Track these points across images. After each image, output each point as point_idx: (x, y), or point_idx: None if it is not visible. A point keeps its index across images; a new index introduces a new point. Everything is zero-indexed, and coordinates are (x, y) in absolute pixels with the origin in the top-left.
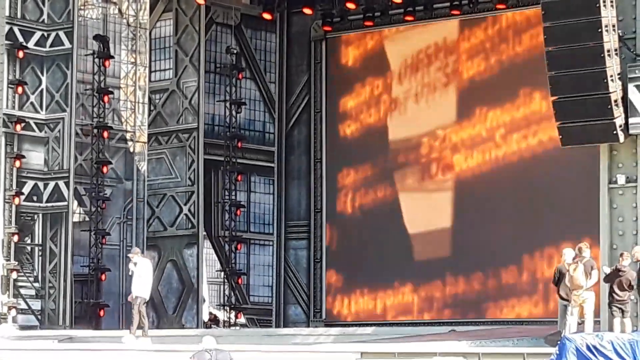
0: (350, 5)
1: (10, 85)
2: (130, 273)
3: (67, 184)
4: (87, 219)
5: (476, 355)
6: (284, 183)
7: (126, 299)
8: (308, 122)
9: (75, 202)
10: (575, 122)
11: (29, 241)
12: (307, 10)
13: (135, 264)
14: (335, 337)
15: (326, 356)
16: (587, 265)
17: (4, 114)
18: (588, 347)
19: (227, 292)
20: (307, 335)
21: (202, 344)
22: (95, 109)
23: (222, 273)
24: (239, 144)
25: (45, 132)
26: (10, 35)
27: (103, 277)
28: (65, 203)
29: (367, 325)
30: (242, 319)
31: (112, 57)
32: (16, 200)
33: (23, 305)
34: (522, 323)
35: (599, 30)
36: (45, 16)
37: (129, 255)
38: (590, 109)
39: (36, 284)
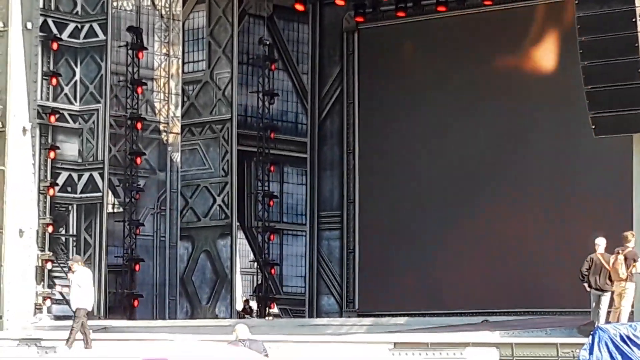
0: None
1: (44, 77)
2: (69, 283)
3: (101, 175)
4: (121, 209)
5: (509, 345)
6: (317, 174)
7: (159, 289)
8: (341, 113)
9: (110, 193)
10: (609, 112)
11: (63, 232)
12: (340, 1)
13: (73, 272)
14: (368, 327)
15: (359, 346)
16: (629, 255)
17: (39, 105)
18: (621, 338)
19: (260, 283)
20: (340, 326)
21: (236, 334)
22: (129, 101)
23: (255, 263)
24: (272, 135)
25: (80, 124)
26: (44, 27)
27: (137, 267)
28: (100, 194)
29: (399, 315)
30: (275, 309)
31: (146, 48)
32: (51, 191)
33: (58, 296)
34: (555, 313)
35: (633, 19)
36: (79, 8)
37: (69, 262)
38: (623, 98)
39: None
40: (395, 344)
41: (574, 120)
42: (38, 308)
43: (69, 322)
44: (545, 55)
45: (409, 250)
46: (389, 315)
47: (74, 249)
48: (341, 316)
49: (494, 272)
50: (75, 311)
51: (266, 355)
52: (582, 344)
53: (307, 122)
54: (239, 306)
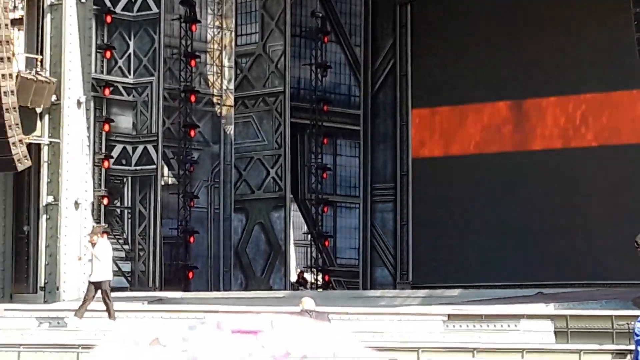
0: None
1: (98, 50)
2: (89, 255)
3: (155, 148)
4: (175, 182)
5: (563, 317)
6: (370, 146)
7: (214, 261)
8: (394, 85)
9: (164, 166)
10: None
11: (118, 204)
12: None
13: (93, 244)
14: (422, 299)
15: (413, 318)
16: None
17: (93, 78)
18: None
19: (314, 255)
20: (394, 297)
21: (302, 305)
22: (182, 73)
23: (309, 235)
24: (325, 108)
25: (134, 96)
26: (98, 0)
27: (192, 239)
28: (154, 166)
29: (453, 287)
30: (329, 281)
31: (199, 21)
32: (105, 164)
33: (113, 268)
34: (610, 285)
35: None
36: None
37: (89, 234)
38: None
39: (126, 247)
40: (449, 315)
41: None
42: None
43: (125, 294)
44: (608, 30)
45: (462, 222)
46: (442, 287)
47: (129, 221)
48: (395, 288)
49: (549, 244)
50: (94, 283)
51: None
52: (638, 316)
53: (360, 95)
54: (293, 278)
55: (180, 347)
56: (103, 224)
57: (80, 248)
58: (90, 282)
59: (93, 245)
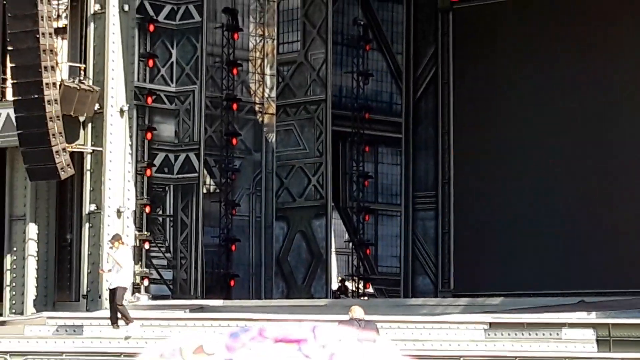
0: None
1: (141, 59)
2: (108, 261)
3: (197, 156)
4: (217, 190)
5: (606, 326)
6: (412, 154)
7: (255, 269)
8: (435, 93)
9: (206, 174)
10: None
11: (160, 212)
12: None
13: (115, 251)
14: (463, 307)
15: (454, 327)
16: None
17: (136, 86)
18: None
19: (355, 263)
20: (435, 306)
21: (352, 314)
22: (224, 82)
23: (350, 243)
24: (367, 115)
25: (176, 105)
26: (141, 9)
27: (233, 247)
28: (196, 174)
29: (495, 295)
30: (370, 289)
31: (241, 29)
32: (148, 172)
33: (155, 275)
34: None
35: None
36: None
37: (110, 241)
38: None
39: (168, 255)
40: (490, 324)
41: None
42: (136, 287)
43: (167, 302)
44: None
45: (504, 230)
46: (484, 296)
47: (171, 229)
48: (436, 296)
49: (591, 252)
50: (115, 290)
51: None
52: None
53: (402, 103)
54: (335, 286)
55: (224, 356)
56: (145, 232)
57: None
58: (110, 290)
59: (114, 251)
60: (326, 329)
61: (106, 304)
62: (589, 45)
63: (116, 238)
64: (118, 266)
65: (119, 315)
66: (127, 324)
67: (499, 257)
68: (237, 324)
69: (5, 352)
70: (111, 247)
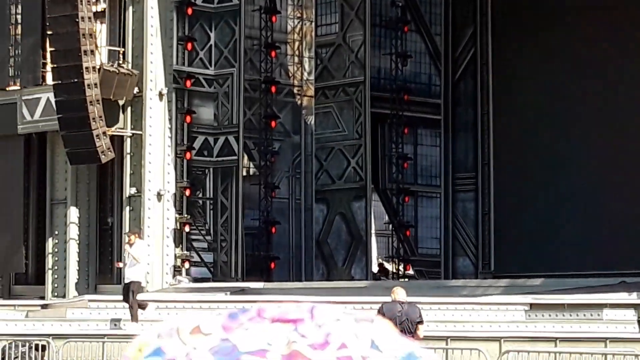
0: None
1: (179, 42)
2: (126, 254)
3: (236, 139)
4: (256, 172)
5: None
6: (451, 135)
7: (295, 252)
8: (474, 74)
9: (245, 156)
10: None
11: (200, 195)
12: None
13: (131, 245)
14: (503, 288)
15: (495, 308)
16: None
17: (174, 70)
18: None
19: (395, 244)
20: (476, 287)
21: (394, 296)
22: (263, 64)
23: (390, 225)
24: (405, 97)
25: (215, 88)
26: None
27: (273, 230)
28: (235, 157)
29: (535, 276)
30: (410, 271)
31: (279, 12)
32: (187, 155)
33: (196, 258)
34: None
35: None
36: None
37: (126, 235)
38: None
39: (208, 237)
40: (531, 305)
41: None
42: (177, 270)
43: (208, 284)
44: None
45: (544, 210)
46: (524, 277)
47: (211, 212)
48: (477, 277)
49: (632, 232)
50: (130, 284)
51: (421, 321)
52: None
53: (441, 84)
54: (375, 268)
55: (221, 336)
56: (186, 215)
57: (163, 239)
58: (125, 284)
59: (130, 246)
60: (324, 309)
61: (147, 286)
62: (633, 27)
63: (133, 232)
64: (134, 260)
65: (128, 311)
66: (132, 320)
67: (540, 238)
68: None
69: (48, 335)
70: (127, 242)
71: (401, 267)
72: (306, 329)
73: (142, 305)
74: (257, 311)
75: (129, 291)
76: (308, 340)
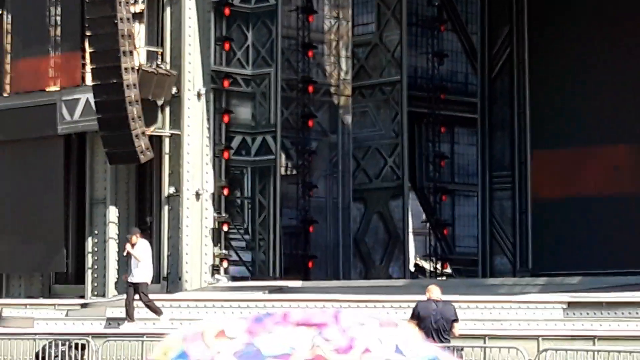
0: None
1: (217, 42)
2: (125, 254)
3: (274, 138)
4: (294, 172)
5: None
6: (488, 134)
7: (333, 250)
8: (511, 72)
9: (283, 156)
10: None
11: (238, 194)
12: None
13: (133, 245)
14: (541, 286)
15: (533, 306)
16: None
17: (212, 70)
18: None
19: (432, 243)
20: (513, 285)
21: (429, 294)
22: (300, 64)
23: (427, 224)
24: (442, 96)
25: (252, 88)
26: None
27: (311, 229)
28: (273, 157)
29: (573, 274)
30: (448, 269)
31: (316, 12)
32: (225, 155)
33: (234, 257)
34: None
35: None
36: None
37: (128, 236)
38: None
39: (246, 236)
40: (569, 303)
41: None
42: (215, 269)
43: (246, 283)
44: None
45: (582, 208)
46: (562, 275)
47: (249, 211)
48: (514, 276)
49: None
50: (135, 284)
51: (456, 319)
52: None
53: (477, 83)
54: (412, 266)
55: (245, 340)
56: (224, 214)
57: (201, 239)
58: (129, 284)
59: (132, 246)
60: (348, 314)
61: (186, 285)
62: None
63: (134, 232)
64: (137, 261)
65: (147, 310)
66: (158, 315)
67: (577, 236)
68: (316, 305)
69: (87, 334)
70: (129, 242)
71: (438, 266)
72: (330, 333)
73: (157, 312)
74: (283, 315)
75: (138, 293)
76: (332, 345)
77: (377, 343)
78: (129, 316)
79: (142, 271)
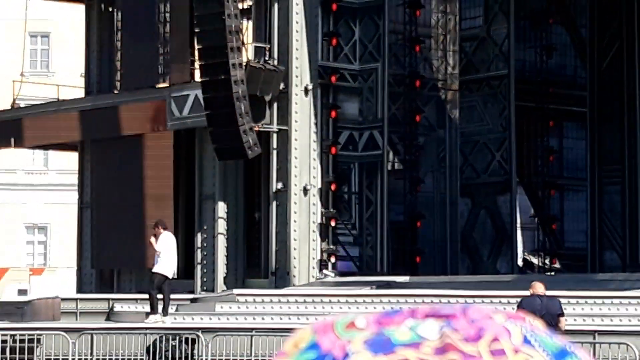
0: None
1: (324, 38)
2: (153, 246)
3: (381, 133)
4: (401, 167)
5: None
6: (597, 128)
7: (440, 246)
8: (620, 65)
9: (390, 151)
10: None
11: (346, 190)
12: None
13: (157, 238)
14: None
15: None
16: None
17: (319, 65)
18: None
19: (541, 238)
20: (623, 281)
21: (533, 290)
22: (407, 59)
23: (536, 219)
24: (551, 90)
25: (359, 83)
26: None
27: (418, 224)
28: (380, 152)
29: None
30: (557, 265)
31: (423, 6)
32: (333, 150)
33: (342, 252)
34: None
35: None
36: None
37: (154, 228)
38: None
39: (354, 232)
40: None
41: None
42: (323, 264)
43: (354, 278)
44: None
45: None
46: None
47: (357, 206)
48: (624, 271)
49: None
50: (154, 275)
51: (562, 314)
52: None
53: (586, 76)
54: (520, 262)
55: (375, 330)
56: (332, 210)
57: (309, 234)
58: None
59: (156, 238)
60: (476, 308)
61: (294, 280)
62: None
63: (157, 224)
64: (159, 253)
65: (154, 302)
66: (151, 312)
67: None
68: (424, 300)
69: (197, 329)
70: (154, 234)
71: (547, 261)
72: (459, 324)
73: (152, 309)
74: (410, 311)
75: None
76: (461, 334)
77: (505, 333)
78: (165, 312)
79: (161, 264)
